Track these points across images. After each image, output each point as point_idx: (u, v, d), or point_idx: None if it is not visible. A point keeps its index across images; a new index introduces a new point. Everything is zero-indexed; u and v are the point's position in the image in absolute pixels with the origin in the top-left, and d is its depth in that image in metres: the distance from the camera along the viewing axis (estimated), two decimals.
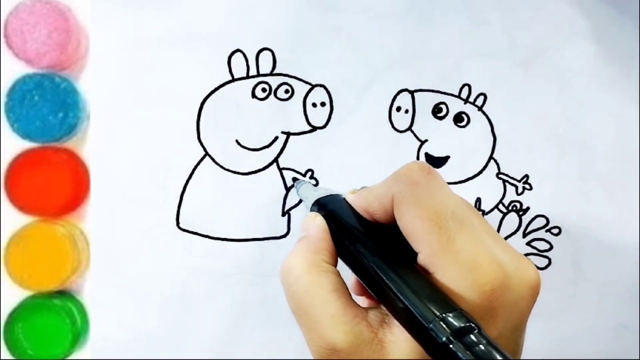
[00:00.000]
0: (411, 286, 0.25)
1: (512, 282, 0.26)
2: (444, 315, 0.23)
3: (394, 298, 0.25)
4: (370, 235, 0.29)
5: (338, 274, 0.28)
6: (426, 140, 0.39)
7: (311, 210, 0.32)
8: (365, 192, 0.30)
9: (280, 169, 0.38)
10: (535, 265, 0.39)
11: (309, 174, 0.38)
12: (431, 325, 0.23)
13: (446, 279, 0.25)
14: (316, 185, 0.38)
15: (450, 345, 0.22)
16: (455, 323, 0.23)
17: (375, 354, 0.25)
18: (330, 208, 0.31)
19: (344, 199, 0.31)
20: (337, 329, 0.25)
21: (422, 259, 0.26)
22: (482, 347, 0.22)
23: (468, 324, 0.23)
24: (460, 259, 0.25)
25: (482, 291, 0.25)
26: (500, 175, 0.39)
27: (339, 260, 0.30)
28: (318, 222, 0.30)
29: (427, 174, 0.28)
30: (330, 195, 0.33)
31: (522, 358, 0.39)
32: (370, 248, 0.28)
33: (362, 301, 0.31)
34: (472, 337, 0.22)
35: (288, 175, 0.38)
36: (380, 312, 0.26)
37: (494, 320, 0.25)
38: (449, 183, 0.39)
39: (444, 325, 0.23)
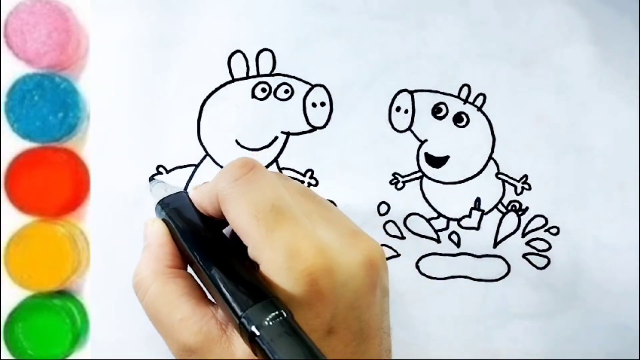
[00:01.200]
0: (230, 279, 0.26)
1: (336, 262, 0.26)
2: (255, 305, 0.24)
3: (217, 292, 0.26)
4: (205, 232, 0.29)
5: (186, 276, 0.29)
6: (426, 140, 0.39)
7: (155, 210, 0.32)
8: (200, 189, 0.31)
9: (280, 169, 0.38)
10: (534, 265, 0.40)
11: (309, 174, 0.38)
12: (243, 314, 0.24)
13: (268, 269, 0.26)
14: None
15: (256, 336, 0.23)
16: (264, 313, 0.24)
17: (224, 350, 0.26)
18: (172, 207, 0.31)
19: (188, 196, 0.32)
20: (188, 331, 0.26)
21: (250, 253, 0.27)
22: (286, 334, 0.23)
23: (277, 312, 0.24)
24: (278, 248, 0.26)
25: (302, 277, 0.25)
26: (499, 175, 0.39)
27: None
28: (156, 228, 0.31)
29: (250, 169, 0.28)
30: (175, 193, 0.33)
31: (521, 358, 0.39)
32: (201, 245, 0.29)
33: None
34: (280, 325, 0.23)
35: (288, 175, 0.38)
36: None
37: (322, 302, 0.26)
38: (449, 183, 0.39)
39: (254, 316, 0.24)
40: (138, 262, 0.30)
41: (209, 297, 0.29)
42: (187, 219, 0.30)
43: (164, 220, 0.31)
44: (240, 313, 0.24)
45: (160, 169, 0.37)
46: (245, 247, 0.27)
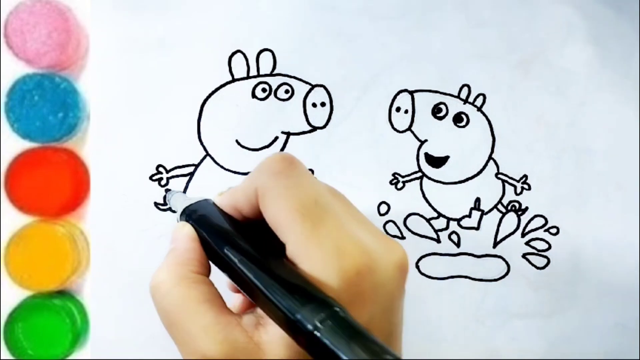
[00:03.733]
0: (275, 280, 0.25)
1: (378, 264, 0.26)
2: (308, 304, 0.23)
3: (261, 295, 0.25)
4: (238, 235, 0.28)
5: (209, 283, 0.28)
6: (426, 140, 0.39)
7: (180, 219, 0.31)
8: (232, 190, 0.30)
9: None
10: (534, 265, 0.40)
11: None
12: (298, 316, 0.23)
13: (312, 267, 0.25)
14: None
15: (317, 333, 0.22)
16: (320, 310, 0.23)
17: (253, 356, 0.25)
18: (199, 214, 0.30)
19: (213, 202, 0.30)
20: (211, 339, 0.25)
21: (289, 250, 0.26)
22: (346, 329, 0.22)
23: (333, 309, 0.23)
24: (324, 245, 0.25)
25: (348, 276, 0.25)
26: (499, 175, 0.39)
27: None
28: (185, 232, 0.29)
29: (290, 163, 0.27)
30: (199, 201, 0.31)
31: (521, 358, 0.39)
32: (236, 248, 0.27)
33: (241, 302, 0.31)
34: (337, 321, 0.23)
35: None
36: (254, 315, 0.26)
37: (362, 303, 0.25)
38: (449, 183, 0.39)
39: (309, 314, 0.23)
40: (160, 265, 0.28)
41: (229, 305, 0.27)
42: (216, 225, 0.29)
43: (192, 224, 0.30)
44: (292, 316, 0.23)
45: (160, 169, 0.37)
46: (279, 248, 0.27)
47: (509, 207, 0.40)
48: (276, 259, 0.26)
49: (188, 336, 0.25)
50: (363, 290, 0.25)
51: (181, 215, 0.31)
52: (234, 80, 0.37)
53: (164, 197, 0.37)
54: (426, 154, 0.39)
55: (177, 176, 0.37)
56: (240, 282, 0.27)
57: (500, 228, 0.40)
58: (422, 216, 0.39)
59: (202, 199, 0.31)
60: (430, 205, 0.39)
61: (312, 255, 0.25)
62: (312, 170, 0.38)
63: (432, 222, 0.39)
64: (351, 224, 0.27)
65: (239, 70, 0.37)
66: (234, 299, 0.30)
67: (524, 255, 0.40)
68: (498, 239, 0.40)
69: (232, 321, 0.26)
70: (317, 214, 0.26)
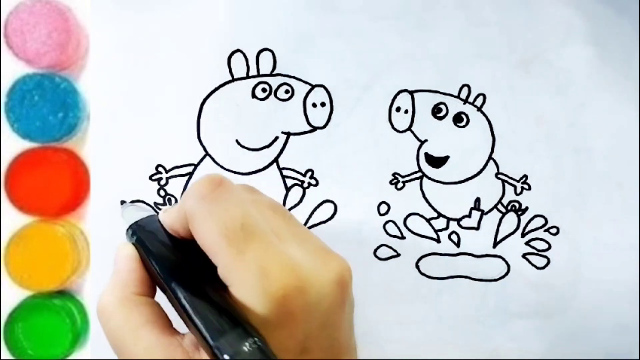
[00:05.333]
0: (203, 305, 0.25)
1: (309, 282, 0.26)
2: (230, 332, 0.24)
3: (188, 320, 0.25)
4: (176, 256, 0.28)
5: (152, 303, 0.28)
6: (426, 140, 0.39)
7: (126, 234, 0.31)
8: (169, 210, 0.29)
9: (280, 169, 0.38)
10: (534, 265, 0.40)
11: (309, 174, 0.38)
12: (217, 343, 0.24)
13: (239, 291, 0.25)
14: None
15: None
16: (240, 338, 0.23)
17: None
18: (143, 231, 0.30)
19: (158, 219, 0.30)
20: None
21: (220, 273, 0.26)
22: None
23: (251, 339, 0.23)
24: (249, 269, 0.25)
25: (274, 298, 0.25)
26: (499, 175, 0.39)
27: None
28: (126, 252, 0.29)
29: (217, 186, 0.27)
30: (146, 217, 0.31)
31: (521, 358, 0.39)
32: (171, 269, 0.28)
33: None
34: (255, 353, 0.23)
35: (288, 176, 0.38)
36: None
37: (294, 323, 0.25)
38: (449, 183, 0.39)
39: (228, 342, 0.23)
40: (105, 287, 0.28)
41: (175, 325, 0.28)
42: (158, 243, 0.29)
43: (134, 244, 0.30)
44: (212, 342, 0.24)
45: (160, 169, 0.37)
46: (216, 268, 0.27)
47: (509, 207, 0.40)
48: (208, 283, 0.26)
49: (131, 357, 0.26)
50: (292, 310, 0.25)
51: (127, 231, 0.31)
52: (233, 80, 0.37)
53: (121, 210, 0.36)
54: (426, 154, 0.39)
55: (177, 176, 0.37)
56: (173, 303, 0.27)
57: (500, 228, 0.40)
58: (422, 216, 0.39)
59: (150, 214, 0.31)
60: (430, 205, 0.39)
61: (238, 278, 0.25)
62: (312, 170, 0.38)
63: (432, 222, 0.39)
64: (284, 244, 0.27)
65: (239, 69, 0.37)
66: None
67: (524, 255, 0.40)
68: (498, 239, 0.40)
69: (173, 342, 0.26)
70: (243, 237, 0.26)
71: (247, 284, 0.25)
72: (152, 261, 0.28)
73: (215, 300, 0.26)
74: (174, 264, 0.28)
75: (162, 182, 0.37)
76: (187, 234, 0.28)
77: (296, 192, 0.38)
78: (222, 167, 0.37)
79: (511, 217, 0.40)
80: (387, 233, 0.39)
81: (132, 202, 0.37)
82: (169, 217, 0.29)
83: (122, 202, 0.37)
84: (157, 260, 0.28)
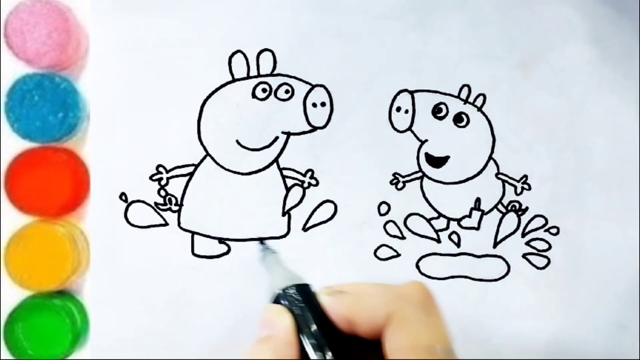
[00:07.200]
0: None
1: None
2: None
3: None
4: (332, 344, 0.26)
5: None
6: (426, 140, 0.39)
7: (276, 295, 0.28)
8: (350, 300, 0.27)
9: (280, 169, 0.38)
10: (534, 265, 0.40)
11: (309, 174, 0.38)
12: None
13: None
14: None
15: None
16: None
17: None
18: (300, 306, 0.27)
19: (315, 296, 0.28)
20: None
21: None
22: None
23: None
24: None
25: None
26: (499, 176, 0.39)
27: None
28: (286, 322, 0.27)
29: (430, 298, 0.26)
30: (301, 285, 0.29)
31: (521, 358, 0.39)
32: (323, 354, 0.25)
33: None
34: None
35: (288, 176, 0.38)
36: None
37: None
38: (449, 183, 0.39)
39: None
40: (254, 351, 0.26)
41: None
42: (317, 327, 0.26)
43: (291, 312, 0.27)
44: None
45: (160, 169, 0.37)
46: None
47: (509, 207, 0.40)
48: None
49: None
50: None
51: (277, 293, 0.28)
52: (234, 80, 0.37)
53: (261, 253, 0.36)
54: (426, 154, 0.39)
55: (177, 176, 0.37)
56: None
57: (500, 228, 0.40)
58: (422, 216, 0.39)
59: (301, 281, 0.29)
60: (430, 205, 0.39)
61: None
62: (312, 170, 0.38)
63: (432, 222, 0.39)
64: None
65: (239, 70, 0.37)
66: None
67: (524, 255, 0.40)
68: (498, 239, 0.40)
69: None
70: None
71: None
72: (310, 342, 0.26)
73: None
74: (327, 350, 0.26)
75: (163, 182, 0.37)
76: (367, 331, 0.26)
77: (296, 192, 0.38)
78: (222, 167, 0.37)
79: (511, 217, 0.40)
80: (387, 233, 0.39)
81: (267, 247, 0.36)
82: (344, 306, 0.27)
83: (261, 242, 0.36)
84: (317, 343, 0.26)
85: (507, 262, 0.40)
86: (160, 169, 0.37)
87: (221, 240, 0.38)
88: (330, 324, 0.26)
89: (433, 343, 0.25)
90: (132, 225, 0.37)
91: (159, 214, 0.37)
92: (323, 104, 0.38)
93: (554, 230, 0.40)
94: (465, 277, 0.39)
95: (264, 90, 0.37)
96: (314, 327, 0.26)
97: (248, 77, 0.37)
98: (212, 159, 0.37)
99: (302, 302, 0.27)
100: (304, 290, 0.28)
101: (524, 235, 0.40)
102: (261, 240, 0.37)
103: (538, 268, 0.40)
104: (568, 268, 0.40)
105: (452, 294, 0.39)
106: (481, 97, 0.39)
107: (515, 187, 0.40)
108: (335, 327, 0.26)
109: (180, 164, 0.37)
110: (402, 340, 0.25)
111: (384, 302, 0.26)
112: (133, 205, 0.37)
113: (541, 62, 0.39)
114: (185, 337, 0.37)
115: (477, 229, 0.39)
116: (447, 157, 0.39)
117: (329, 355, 0.25)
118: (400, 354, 0.25)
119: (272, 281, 0.30)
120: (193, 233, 0.37)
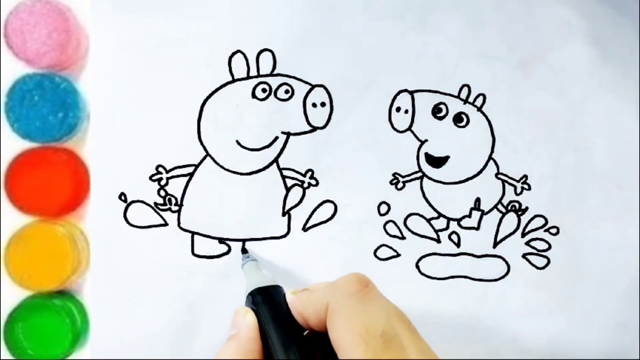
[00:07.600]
0: None
1: None
2: None
3: None
4: (295, 339, 0.29)
5: None
6: (426, 140, 0.39)
7: (247, 297, 0.32)
8: (304, 296, 0.30)
9: (280, 169, 0.38)
10: (534, 265, 0.40)
11: (309, 174, 0.38)
12: None
13: None
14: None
15: None
16: None
17: None
18: (266, 303, 0.31)
19: (284, 295, 0.31)
20: None
21: None
22: None
23: None
24: None
25: None
26: (499, 176, 0.39)
27: None
28: (248, 320, 0.30)
29: (365, 286, 0.28)
30: (271, 287, 0.32)
31: (521, 358, 0.39)
32: (290, 351, 0.28)
33: None
34: None
35: (288, 176, 0.38)
36: None
37: None
38: (449, 183, 0.39)
39: None
40: (220, 351, 0.29)
41: None
42: (279, 319, 0.30)
43: (254, 311, 0.31)
44: None
45: (160, 169, 0.37)
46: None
47: (509, 207, 0.40)
48: None
49: None
50: None
51: (248, 294, 0.32)
52: (234, 80, 0.37)
53: (242, 262, 0.37)
54: (426, 154, 0.39)
55: (177, 176, 0.37)
56: None
57: (500, 228, 0.40)
58: (422, 216, 0.39)
59: (274, 284, 0.32)
60: (430, 205, 0.39)
61: None
62: (312, 170, 0.38)
63: (432, 222, 0.39)
64: (412, 357, 0.27)
65: (239, 70, 0.37)
66: None
67: (524, 255, 0.40)
68: (498, 239, 0.40)
69: None
70: (380, 347, 0.26)
71: None
72: (271, 337, 0.29)
73: None
74: (291, 344, 0.28)
75: (163, 182, 0.37)
76: (317, 324, 0.28)
77: (296, 192, 0.38)
78: (222, 167, 0.37)
79: (511, 217, 0.40)
80: (387, 233, 0.39)
81: (249, 256, 0.37)
82: (299, 302, 0.30)
83: (244, 251, 0.37)
84: (277, 337, 0.29)
85: (507, 262, 0.40)
86: (160, 169, 0.37)
87: (221, 240, 0.38)
88: (293, 321, 0.29)
89: (367, 329, 0.26)
90: (132, 225, 0.37)
91: (158, 214, 0.37)
92: (323, 104, 0.38)
93: (553, 230, 0.40)
94: (465, 277, 0.39)
95: (264, 90, 0.37)
96: (274, 325, 0.29)
97: (248, 77, 0.37)
98: (212, 159, 0.37)
99: (264, 302, 0.31)
100: (271, 291, 0.31)
101: (523, 235, 0.40)
102: (243, 249, 0.38)
103: (538, 268, 0.40)
104: (568, 268, 0.40)
105: (452, 294, 0.39)
106: (481, 97, 0.39)
107: (515, 187, 0.40)
108: (297, 324, 0.29)
109: (180, 164, 0.37)
110: (338, 327, 0.27)
111: (324, 295, 0.28)
112: (133, 205, 0.37)
113: (541, 62, 0.39)
114: (185, 338, 0.37)
115: (477, 229, 0.39)
116: (447, 157, 0.39)
117: (291, 351, 0.28)
118: (338, 341, 0.26)
119: (247, 285, 0.33)
120: (193, 233, 0.37)
